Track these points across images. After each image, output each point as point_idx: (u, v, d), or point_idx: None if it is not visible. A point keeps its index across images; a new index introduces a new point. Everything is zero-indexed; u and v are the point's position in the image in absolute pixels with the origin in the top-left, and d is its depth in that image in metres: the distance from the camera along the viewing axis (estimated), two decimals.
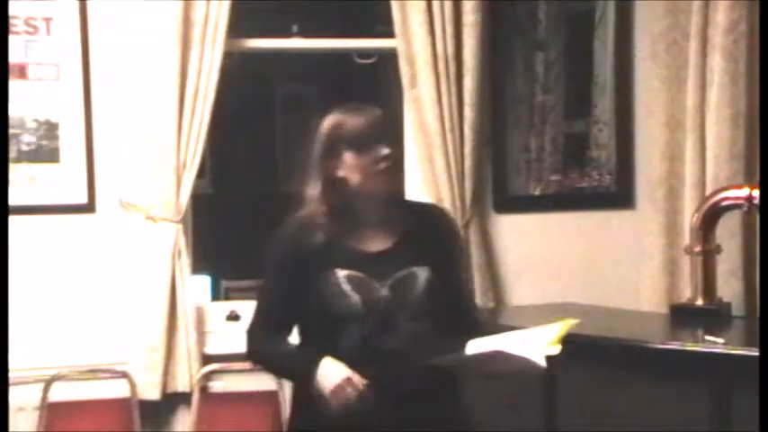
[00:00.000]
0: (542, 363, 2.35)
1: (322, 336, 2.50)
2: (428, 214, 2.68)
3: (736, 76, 4.14)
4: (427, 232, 2.59)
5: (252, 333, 2.64)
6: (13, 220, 3.53)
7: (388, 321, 2.48)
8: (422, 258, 2.53)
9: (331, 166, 2.51)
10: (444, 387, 2.56)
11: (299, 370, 2.52)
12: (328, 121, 2.55)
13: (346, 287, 2.48)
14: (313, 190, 2.54)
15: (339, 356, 2.44)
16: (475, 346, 2.46)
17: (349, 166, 2.50)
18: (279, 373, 2.68)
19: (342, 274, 2.49)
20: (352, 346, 2.48)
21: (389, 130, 2.55)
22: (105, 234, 3.99)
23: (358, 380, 2.40)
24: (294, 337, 2.62)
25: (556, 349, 2.37)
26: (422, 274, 2.52)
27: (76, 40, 3.92)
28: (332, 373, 2.42)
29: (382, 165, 2.48)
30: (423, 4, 4.02)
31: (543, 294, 4.15)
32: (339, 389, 2.40)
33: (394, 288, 2.50)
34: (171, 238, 3.92)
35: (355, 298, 2.48)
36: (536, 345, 2.38)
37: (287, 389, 3.96)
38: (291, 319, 2.60)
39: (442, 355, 2.45)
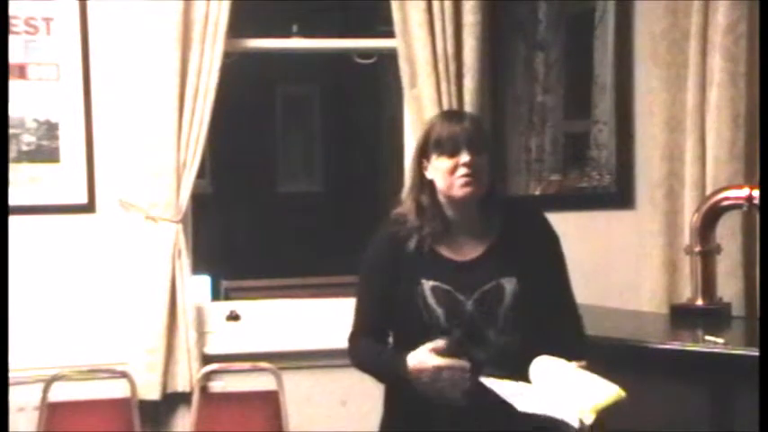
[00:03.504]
0: (575, 424, 2.34)
1: (412, 345, 2.51)
2: (521, 218, 2.66)
3: (736, 77, 4.14)
4: (518, 239, 2.59)
5: (350, 339, 2.69)
6: (13, 220, 3.53)
7: (474, 335, 2.50)
8: (511, 268, 2.54)
9: (421, 167, 2.57)
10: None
11: (391, 371, 2.54)
12: (427, 124, 2.65)
13: (431, 300, 2.52)
14: (406, 189, 2.62)
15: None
16: (541, 365, 2.45)
17: (434, 169, 2.54)
18: (376, 376, 2.66)
19: (428, 285, 2.53)
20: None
21: (477, 138, 2.55)
22: (105, 234, 3.99)
23: (449, 363, 2.41)
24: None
25: (590, 418, 2.34)
26: (509, 286, 2.52)
27: (76, 40, 3.92)
28: (421, 362, 2.44)
29: (462, 170, 2.51)
30: (423, 4, 4.02)
31: None
32: (433, 376, 2.42)
33: (479, 302, 2.52)
34: (171, 238, 3.92)
35: (439, 312, 2.51)
36: (577, 403, 2.36)
37: (287, 389, 3.96)
38: (385, 324, 2.63)
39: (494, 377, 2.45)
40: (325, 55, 5.03)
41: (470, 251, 2.57)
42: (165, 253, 3.91)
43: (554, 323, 2.58)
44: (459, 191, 2.52)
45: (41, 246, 3.94)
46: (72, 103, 3.93)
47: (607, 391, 2.40)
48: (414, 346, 2.50)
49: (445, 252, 2.57)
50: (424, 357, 2.45)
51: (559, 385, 2.41)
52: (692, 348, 3.31)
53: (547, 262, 2.63)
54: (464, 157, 2.51)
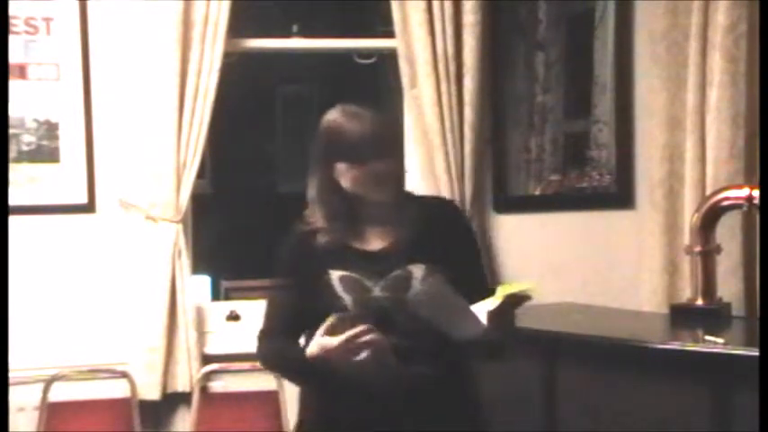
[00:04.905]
0: (483, 320, 2.35)
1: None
2: (431, 209, 2.63)
3: (736, 76, 4.14)
4: (428, 228, 2.54)
5: (260, 338, 2.66)
6: (13, 220, 3.53)
7: (384, 322, 2.46)
8: (421, 255, 2.50)
9: (327, 169, 2.50)
10: (449, 385, 2.53)
11: (298, 369, 2.51)
12: (326, 123, 2.53)
13: (338, 288, 2.48)
14: (312, 191, 2.54)
15: None
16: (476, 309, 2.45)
17: (343, 175, 2.48)
18: (288, 377, 2.64)
19: (335, 275, 2.49)
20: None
21: (386, 139, 2.49)
22: (105, 234, 3.99)
23: (349, 333, 2.36)
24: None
25: (494, 304, 2.36)
26: (418, 271, 2.49)
27: (76, 40, 3.92)
28: (321, 347, 2.39)
29: (375, 178, 2.46)
30: (423, 4, 4.02)
31: (543, 294, 4.12)
32: (343, 355, 2.37)
33: (387, 288, 2.48)
34: (171, 238, 3.92)
35: (347, 299, 2.47)
36: (483, 305, 2.38)
37: (287, 389, 3.96)
38: (296, 322, 2.58)
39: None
40: (325, 55, 5.02)
41: (380, 242, 2.54)
42: (165, 253, 3.91)
43: None
44: (373, 197, 2.49)
45: (41, 246, 3.94)
46: (72, 103, 3.93)
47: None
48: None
49: (354, 243, 2.54)
50: (321, 342, 2.39)
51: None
52: (692, 348, 3.31)
53: (459, 251, 2.58)
54: (375, 165, 2.45)
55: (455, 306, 2.39)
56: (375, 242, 2.55)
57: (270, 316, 2.64)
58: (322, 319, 2.45)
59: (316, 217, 2.54)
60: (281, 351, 2.59)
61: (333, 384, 2.46)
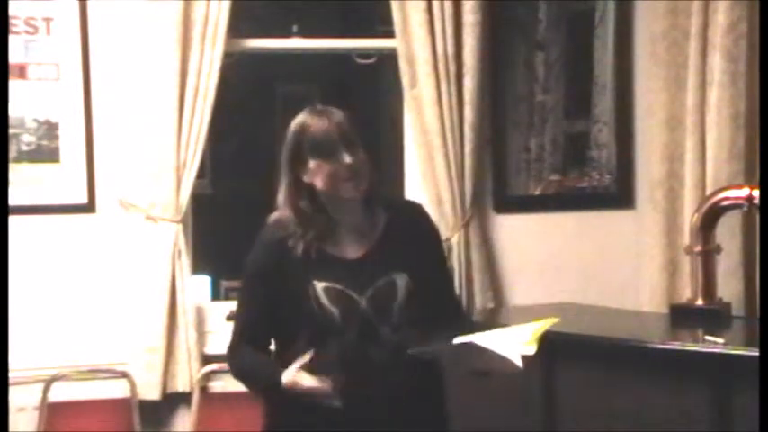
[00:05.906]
0: (518, 363, 2.32)
1: (303, 348, 2.46)
2: (404, 215, 2.62)
3: (736, 76, 4.14)
4: (404, 234, 2.55)
5: (231, 347, 2.61)
6: (13, 220, 3.53)
7: (369, 332, 2.46)
8: (400, 263, 2.50)
9: (297, 171, 2.50)
10: (427, 397, 2.54)
11: (268, 386, 2.50)
12: (294, 125, 2.53)
13: (325, 300, 2.46)
14: (283, 195, 2.53)
15: (321, 369, 2.41)
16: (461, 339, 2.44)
17: (313, 173, 2.48)
18: (254, 389, 2.64)
19: (320, 286, 2.46)
20: (335, 358, 2.45)
21: (351, 136, 2.49)
22: (105, 234, 3.99)
23: (316, 386, 2.40)
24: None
25: (532, 349, 2.35)
26: (401, 281, 2.49)
27: (76, 40, 3.92)
28: (294, 382, 2.42)
29: (344, 173, 2.45)
30: (423, 4, 4.02)
31: (543, 294, 4.15)
32: (309, 396, 2.41)
33: (373, 299, 2.47)
34: (171, 238, 3.92)
35: (334, 311, 2.45)
36: (513, 344, 2.35)
37: None
38: (270, 333, 2.57)
39: (423, 346, 2.41)
40: (325, 55, 5.02)
41: (357, 249, 2.53)
42: (165, 253, 3.91)
43: (437, 310, 2.55)
44: (345, 193, 2.47)
45: (41, 246, 3.94)
46: (72, 103, 3.93)
47: (538, 323, 2.42)
48: (307, 348, 2.45)
49: (332, 251, 2.51)
50: (295, 377, 2.42)
51: (494, 339, 2.40)
52: (692, 348, 3.31)
53: (432, 257, 2.62)
54: (345, 159, 2.45)
55: (489, 357, 2.37)
56: (351, 250, 2.53)
57: (242, 324, 2.61)
58: (305, 328, 2.46)
59: (286, 222, 2.52)
60: (254, 367, 2.58)
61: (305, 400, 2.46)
